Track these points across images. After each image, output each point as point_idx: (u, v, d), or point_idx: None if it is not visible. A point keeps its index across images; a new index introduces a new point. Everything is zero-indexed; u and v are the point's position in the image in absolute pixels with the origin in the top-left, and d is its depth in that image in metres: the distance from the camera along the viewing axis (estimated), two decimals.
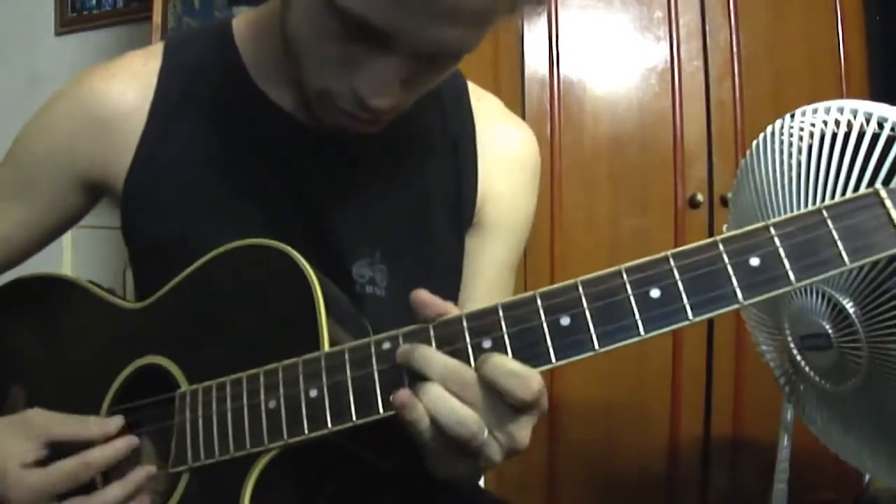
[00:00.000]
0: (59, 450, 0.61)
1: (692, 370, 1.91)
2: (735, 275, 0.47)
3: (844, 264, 0.46)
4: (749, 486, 1.87)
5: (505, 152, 0.78)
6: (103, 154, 0.71)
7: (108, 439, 0.62)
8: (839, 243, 0.46)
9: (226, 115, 0.71)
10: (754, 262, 0.47)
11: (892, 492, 1.43)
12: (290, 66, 0.64)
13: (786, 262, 0.47)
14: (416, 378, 0.51)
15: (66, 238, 1.97)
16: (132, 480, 0.60)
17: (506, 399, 0.49)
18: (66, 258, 1.98)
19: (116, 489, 0.59)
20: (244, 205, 0.70)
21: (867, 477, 1.47)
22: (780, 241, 0.47)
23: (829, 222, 0.46)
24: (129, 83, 0.71)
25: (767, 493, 1.21)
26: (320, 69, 0.60)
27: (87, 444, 0.61)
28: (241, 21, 0.74)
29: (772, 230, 0.47)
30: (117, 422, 0.63)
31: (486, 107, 0.79)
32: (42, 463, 0.60)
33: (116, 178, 0.71)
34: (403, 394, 0.50)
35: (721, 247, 0.48)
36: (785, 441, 1.17)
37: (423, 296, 0.53)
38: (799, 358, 1.04)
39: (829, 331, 0.94)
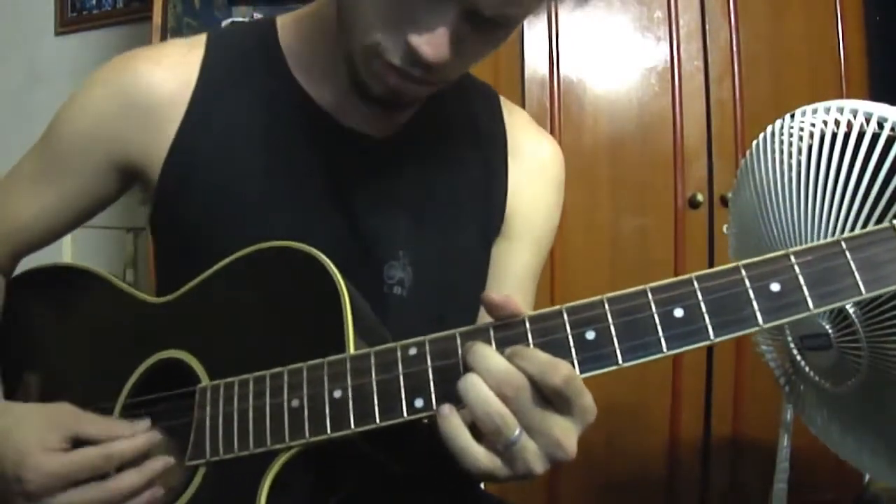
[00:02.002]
0: (80, 446, 0.61)
1: (692, 370, 1.91)
2: (756, 299, 0.49)
3: (860, 294, 0.48)
4: (749, 486, 1.88)
5: (535, 164, 0.80)
6: (141, 140, 0.71)
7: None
8: (856, 274, 0.48)
9: (266, 109, 0.71)
10: (775, 287, 0.49)
11: (892, 492, 1.43)
12: (336, 47, 0.66)
13: (805, 289, 0.48)
14: (444, 382, 0.52)
15: (67, 237, 1.97)
16: (149, 469, 0.59)
17: (537, 388, 0.49)
18: (67, 258, 1.98)
19: (132, 476, 0.59)
20: (280, 201, 0.70)
21: (867, 477, 1.47)
22: (800, 269, 0.49)
23: (847, 254, 0.48)
24: (171, 71, 0.71)
25: (767, 493, 1.21)
26: (374, 23, 0.60)
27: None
28: (285, 19, 0.75)
29: (792, 258, 0.49)
30: (144, 425, 0.62)
31: (516, 119, 0.81)
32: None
33: (153, 166, 0.71)
34: (445, 407, 0.51)
35: (743, 272, 0.49)
36: (785, 441, 1.17)
37: (494, 297, 0.53)
38: (799, 358, 1.04)
39: (829, 331, 0.94)
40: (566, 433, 0.50)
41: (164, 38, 1.98)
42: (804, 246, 0.49)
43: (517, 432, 0.49)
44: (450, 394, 0.51)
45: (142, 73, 0.71)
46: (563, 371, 0.49)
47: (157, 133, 0.70)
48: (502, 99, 0.82)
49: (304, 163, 0.71)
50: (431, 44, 0.58)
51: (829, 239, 0.49)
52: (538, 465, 0.50)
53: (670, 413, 1.92)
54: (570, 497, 1.93)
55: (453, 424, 0.51)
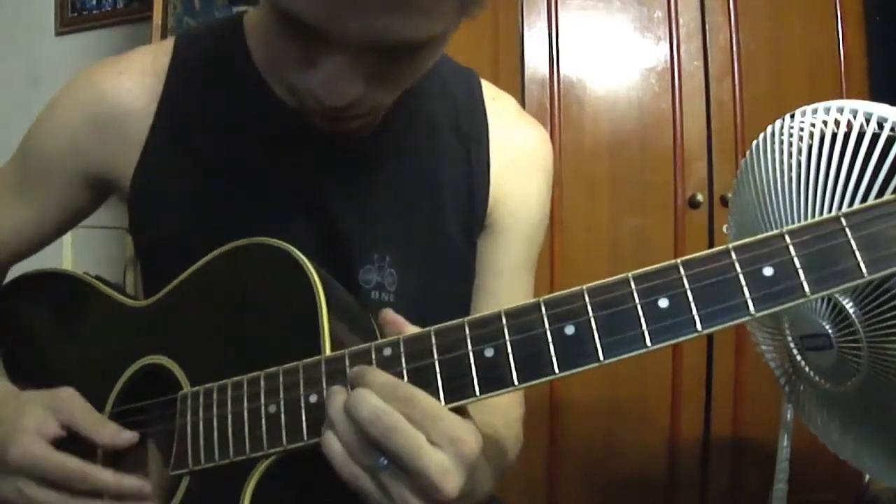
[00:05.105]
0: (73, 436, 0.60)
1: (692, 370, 1.91)
2: (747, 285, 0.45)
3: (862, 276, 0.43)
4: (749, 486, 1.87)
5: (518, 153, 0.77)
6: (110, 151, 0.71)
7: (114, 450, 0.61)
8: (857, 253, 0.43)
9: (235, 113, 0.70)
10: (768, 271, 0.45)
11: (892, 492, 1.43)
12: None
13: (801, 272, 0.44)
14: (419, 384, 0.51)
15: (67, 238, 1.98)
16: None
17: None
18: (67, 258, 1.98)
19: None
20: (252, 205, 0.69)
21: (867, 477, 1.47)
22: (796, 250, 0.44)
23: (848, 231, 0.44)
24: (137, 80, 0.70)
25: (767, 493, 1.21)
26: (285, 67, 0.58)
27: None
28: (253, 17, 0.73)
29: (787, 238, 0.45)
30: (128, 437, 0.61)
31: (500, 107, 0.78)
32: (54, 443, 0.59)
33: (124, 176, 0.71)
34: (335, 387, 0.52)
35: (733, 255, 0.46)
36: (785, 441, 1.17)
37: (388, 315, 0.55)
38: (799, 358, 1.04)
39: (829, 331, 0.94)
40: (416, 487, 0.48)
41: (163, 38, 1.98)
42: (800, 224, 0.45)
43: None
44: None
45: (106, 84, 0.70)
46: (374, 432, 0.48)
47: (126, 143, 0.70)
48: (485, 85, 0.79)
49: (277, 166, 0.70)
50: (333, 91, 0.55)
51: (829, 214, 0.44)
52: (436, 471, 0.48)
53: (670, 413, 1.92)
54: (570, 497, 1.93)
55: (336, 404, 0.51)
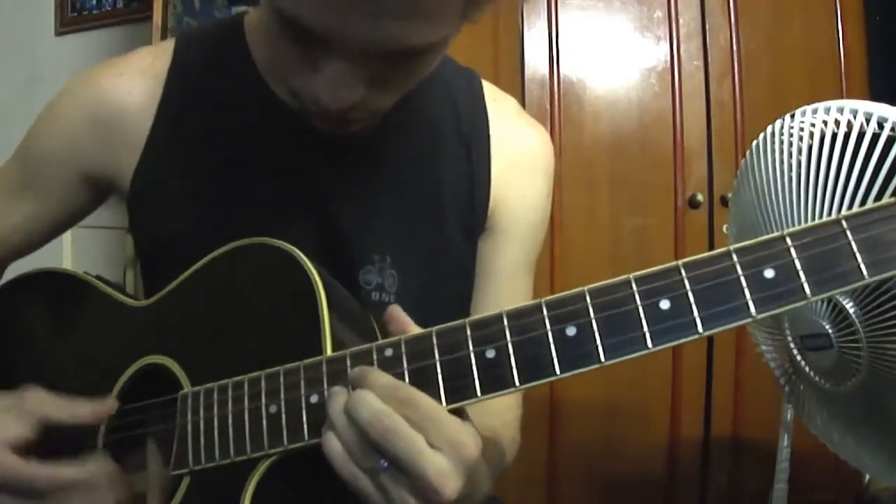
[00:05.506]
0: (53, 433, 0.60)
1: (692, 370, 1.91)
2: (748, 287, 0.45)
3: (863, 278, 0.43)
4: (749, 486, 1.87)
5: (519, 155, 0.77)
6: (109, 153, 0.71)
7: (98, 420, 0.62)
8: (858, 256, 0.43)
9: (235, 114, 0.70)
10: (769, 274, 0.45)
11: (892, 492, 1.43)
12: None
13: (801, 274, 0.44)
14: (420, 384, 0.51)
15: (67, 238, 1.98)
16: None
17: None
18: (67, 258, 1.98)
19: None
20: (252, 206, 0.69)
21: (867, 477, 1.47)
22: (797, 253, 0.45)
23: (849, 233, 0.44)
24: (136, 82, 0.71)
25: (767, 493, 1.21)
26: (286, 69, 0.58)
27: (82, 428, 0.60)
28: (253, 17, 0.73)
29: (788, 240, 0.45)
30: (109, 405, 0.61)
31: (501, 108, 0.78)
32: (33, 445, 0.58)
33: (123, 177, 0.71)
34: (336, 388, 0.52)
35: (734, 257, 0.46)
36: (785, 441, 1.17)
37: (393, 311, 0.55)
38: (799, 358, 1.04)
39: (829, 331, 0.94)
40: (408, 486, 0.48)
41: (164, 38, 1.99)
42: (801, 226, 0.45)
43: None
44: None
45: (105, 86, 0.71)
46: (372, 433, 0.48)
47: (125, 146, 0.70)
48: (486, 86, 0.79)
49: (277, 167, 0.70)
50: (334, 95, 0.55)
51: (829, 217, 0.45)
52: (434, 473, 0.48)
53: (670, 413, 1.92)
54: (570, 497, 1.93)
55: (337, 405, 0.51)
